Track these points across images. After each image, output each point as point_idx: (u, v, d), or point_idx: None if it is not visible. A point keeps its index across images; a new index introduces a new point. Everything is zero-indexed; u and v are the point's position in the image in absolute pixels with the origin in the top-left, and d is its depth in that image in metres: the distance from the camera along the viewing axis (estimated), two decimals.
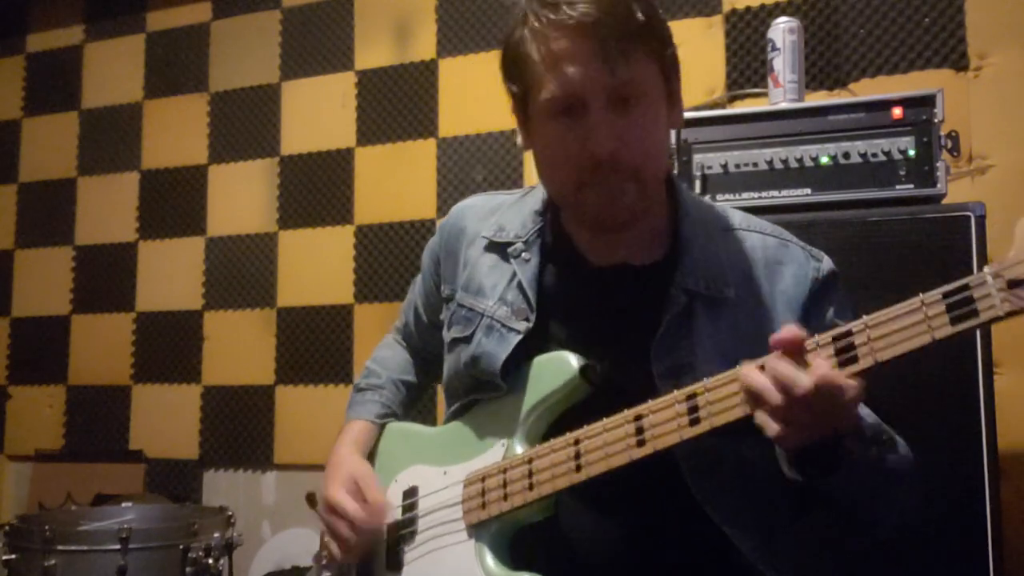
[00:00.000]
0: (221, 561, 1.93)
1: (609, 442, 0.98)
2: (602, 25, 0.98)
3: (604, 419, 1.00)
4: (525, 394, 1.10)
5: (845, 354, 0.85)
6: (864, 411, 1.01)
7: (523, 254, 1.16)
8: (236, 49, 3.00)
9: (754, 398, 0.87)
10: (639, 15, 1.00)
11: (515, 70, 1.07)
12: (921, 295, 0.82)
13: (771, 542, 1.05)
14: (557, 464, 1.02)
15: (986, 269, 0.78)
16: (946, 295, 0.81)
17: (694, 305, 1.07)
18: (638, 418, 0.97)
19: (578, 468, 1.00)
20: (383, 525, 1.20)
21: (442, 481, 1.16)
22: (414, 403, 1.42)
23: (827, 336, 0.87)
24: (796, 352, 0.86)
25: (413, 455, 1.24)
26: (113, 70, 3.17)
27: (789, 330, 0.87)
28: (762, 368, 0.88)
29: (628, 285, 1.12)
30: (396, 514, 1.21)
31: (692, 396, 0.94)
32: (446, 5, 2.72)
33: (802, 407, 0.84)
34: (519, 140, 1.15)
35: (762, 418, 0.87)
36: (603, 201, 1.04)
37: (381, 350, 1.46)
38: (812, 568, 1.05)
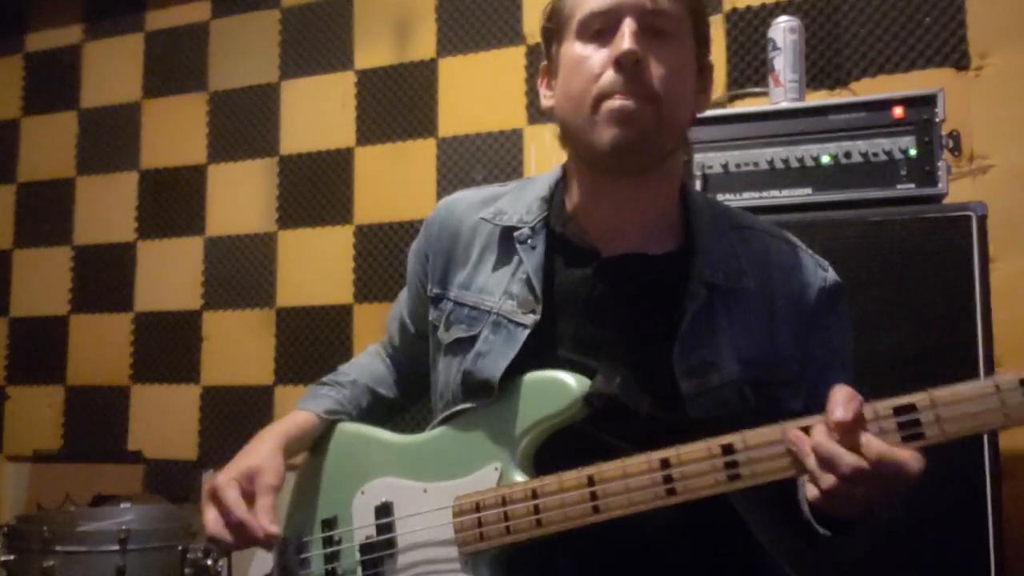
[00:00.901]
0: (220, 562, 1.92)
1: (632, 488, 0.93)
2: None
3: (623, 460, 0.94)
4: (519, 414, 1.03)
5: (909, 429, 0.84)
6: None
7: (529, 240, 1.10)
8: (235, 48, 2.99)
9: (800, 468, 0.86)
10: None
11: (555, 10, 1.09)
12: (995, 379, 0.82)
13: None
14: (570, 504, 0.96)
15: None
16: None
17: (714, 299, 1.04)
18: (664, 464, 0.92)
19: (596, 510, 0.95)
20: (257, 536, 1.06)
21: (423, 501, 1.08)
22: (383, 417, 1.29)
23: (887, 408, 0.85)
24: (852, 429, 0.83)
25: (382, 465, 1.14)
26: (112, 69, 3.17)
27: (847, 406, 0.84)
28: (807, 430, 0.86)
29: (642, 276, 1.08)
30: (369, 532, 1.12)
31: (730, 450, 0.89)
32: (446, 5, 2.72)
33: (852, 483, 0.82)
34: (543, 101, 1.14)
35: (811, 486, 0.86)
36: (621, 115, 1.01)
37: (360, 356, 1.37)
38: (812, 566, 1.04)
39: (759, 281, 1.07)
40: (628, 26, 1.01)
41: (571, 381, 1.00)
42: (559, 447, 1.01)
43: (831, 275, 1.12)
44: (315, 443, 1.24)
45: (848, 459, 0.82)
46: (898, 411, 0.84)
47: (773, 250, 1.11)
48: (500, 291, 1.10)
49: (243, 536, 1.07)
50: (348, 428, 1.23)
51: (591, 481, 0.95)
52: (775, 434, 0.88)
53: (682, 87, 1.05)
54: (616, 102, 1.01)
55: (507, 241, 1.12)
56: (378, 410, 1.30)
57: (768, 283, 1.07)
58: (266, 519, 1.07)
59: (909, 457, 0.82)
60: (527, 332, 1.06)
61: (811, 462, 0.84)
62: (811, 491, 0.86)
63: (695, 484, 0.90)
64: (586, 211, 1.12)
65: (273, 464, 1.13)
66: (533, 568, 1.04)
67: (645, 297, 1.07)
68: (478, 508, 1.02)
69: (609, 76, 1.01)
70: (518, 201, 1.16)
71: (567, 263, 1.10)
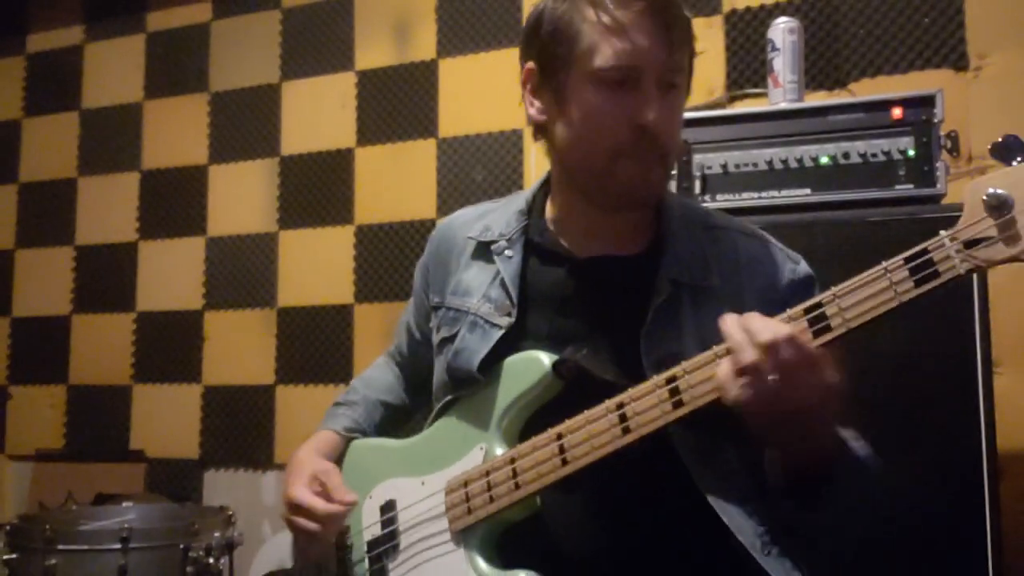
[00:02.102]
0: (222, 561, 1.93)
1: (594, 433, 0.99)
2: (667, 8, 1.05)
3: (585, 411, 1.01)
4: (499, 395, 1.10)
5: (818, 323, 0.89)
6: (858, 444, 1.05)
7: (506, 251, 1.18)
8: (236, 49, 3.00)
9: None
10: (686, 13, 1.10)
11: (561, 34, 1.08)
12: (884, 262, 0.87)
13: (775, 529, 1.04)
14: (542, 461, 1.02)
15: (942, 232, 0.85)
16: (908, 260, 0.86)
17: (680, 294, 1.09)
18: (620, 406, 0.98)
19: (564, 462, 1.01)
20: (346, 515, 1.17)
21: (421, 492, 1.15)
22: (398, 425, 1.39)
23: (799, 309, 0.91)
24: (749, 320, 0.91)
25: (386, 469, 1.22)
26: (113, 70, 3.17)
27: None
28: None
29: (613, 275, 1.14)
30: (375, 530, 1.19)
31: (672, 379, 0.96)
32: (446, 5, 2.72)
33: (765, 362, 0.86)
34: (532, 112, 1.15)
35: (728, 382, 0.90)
36: (636, 173, 1.07)
37: (369, 369, 1.46)
38: (814, 562, 1.05)
39: (727, 277, 1.12)
40: (650, 87, 1.04)
41: (542, 356, 1.07)
42: (545, 428, 1.05)
43: (802, 267, 1.16)
44: (337, 460, 1.31)
45: (737, 335, 0.88)
46: (808, 310, 0.91)
47: (743, 247, 1.15)
48: (479, 294, 1.18)
49: (333, 521, 1.16)
50: (358, 444, 1.31)
51: (559, 436, 1.02)
52: (709, 356, 0.94)
53: (681, 130, 1.13)
54: (634, 164, 1.06)
55: (488, 253, 1.20)
56: (392, 419, 1.39)
57: (736, 279, 1.12)
58: (341, 493, 1.17)
59: (797, 334, 0.87)
60: (501, 332, 1.13)
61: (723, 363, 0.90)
62: (731, 387, 0.90)
63: (645, 418, 0.97)
64: (564, 221, 1.19)
65: (330, 465, 1.24)
66: (524, 547, 1.07)
67: (615, 295, 1.13)
68: (465, 485, 1.09)
69: (627, 135, 1.05)
70: (502, 217, 1.23)
71: (543, 267, 1.17)
